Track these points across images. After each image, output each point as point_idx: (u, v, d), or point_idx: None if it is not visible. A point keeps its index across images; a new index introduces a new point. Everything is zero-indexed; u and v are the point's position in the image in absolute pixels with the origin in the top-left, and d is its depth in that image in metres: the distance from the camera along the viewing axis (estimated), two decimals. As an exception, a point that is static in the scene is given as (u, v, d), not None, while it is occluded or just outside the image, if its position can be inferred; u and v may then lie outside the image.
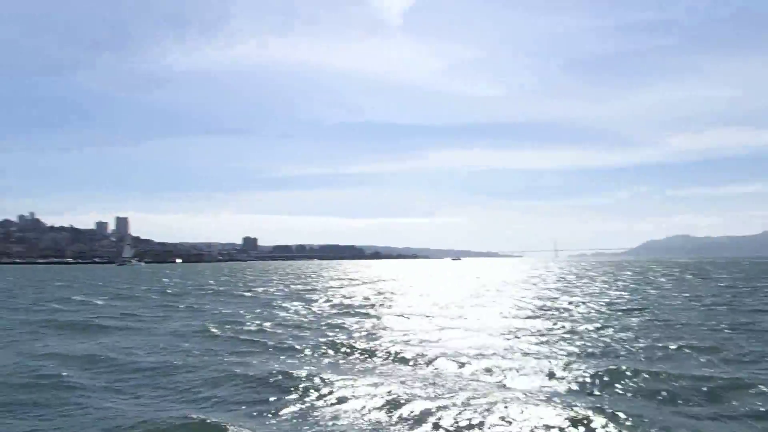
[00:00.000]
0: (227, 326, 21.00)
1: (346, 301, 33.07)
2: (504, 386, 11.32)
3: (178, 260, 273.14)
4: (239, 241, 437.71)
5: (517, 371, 12.50)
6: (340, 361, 14.32)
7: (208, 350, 15.85)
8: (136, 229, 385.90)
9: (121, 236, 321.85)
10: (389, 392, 10.50)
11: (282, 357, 14.86)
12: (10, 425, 9.10)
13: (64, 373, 12.57)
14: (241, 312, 26.67)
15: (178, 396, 10.88)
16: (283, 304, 30.89)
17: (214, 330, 19.70)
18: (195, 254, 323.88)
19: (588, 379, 11.60)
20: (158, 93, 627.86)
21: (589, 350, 15.21)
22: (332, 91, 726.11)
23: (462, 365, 13.17)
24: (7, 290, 48.57)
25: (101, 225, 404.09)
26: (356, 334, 18.75)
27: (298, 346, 16.17)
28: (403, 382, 11.55)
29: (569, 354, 14.67)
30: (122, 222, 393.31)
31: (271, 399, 10.49)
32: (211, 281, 65.12)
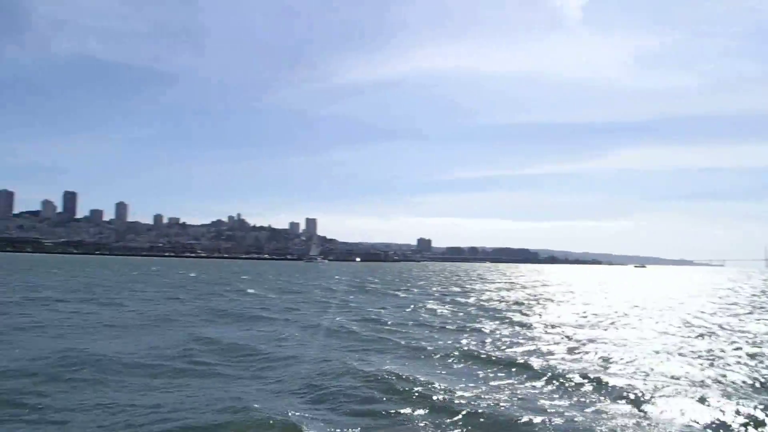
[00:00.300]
0: (369, 324, 21.95)
1: (495, 305, 32.50)
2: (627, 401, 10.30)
3: (358, 259, 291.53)
4: (414, 243, 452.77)
5: (644, 392, 11.24)
6: (457, 366, 14.21)
7: (340, 346, 16.83)
8: (323, 230, 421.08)
9: (310, 236, 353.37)
10: (494, 402, 10.22)
11: (406, 357, 15.18)
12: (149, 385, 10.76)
13: (202, 356, 14.52)
14: (389, 310, 27.69)
15: (287, 387, 11.72)
16: (432, 306, 31.32)
17: (354, 327, 20.78)
18: (373, 254, 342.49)
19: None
20: (340, 105, 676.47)
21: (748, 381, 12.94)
22: (507, 93, 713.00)
23: (581, 382, 12.22)
24: (202, 281, 56.48)
25: (294, 225, 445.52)
26: (488, 339, 18.40)
27: (429, 347, 16.37)
28: (513, 393, 11.16)
29: (725, 383, 12.69)
30: (311, 223, 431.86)
31: (376, 398, 10.74)
32: (376, 280, 68.36)
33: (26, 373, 11.89)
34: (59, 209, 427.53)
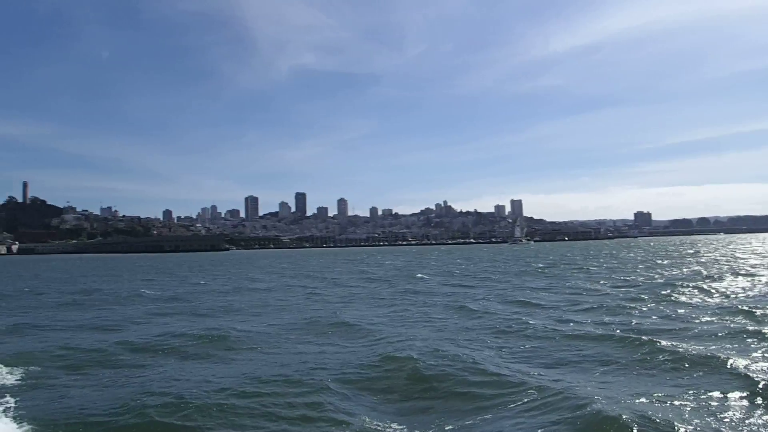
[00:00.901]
0: (511, 327, 18.61)
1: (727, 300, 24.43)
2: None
3: (566, 238, 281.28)
4: (631, 217, 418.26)
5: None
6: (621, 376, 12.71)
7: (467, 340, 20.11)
8: (529, 210, 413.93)
9: (515, 217, 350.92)
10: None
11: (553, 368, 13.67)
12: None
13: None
14: (557, 303, 28.62)
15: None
16: (629, 303, 23.64)
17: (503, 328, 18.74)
18: (582, 232, 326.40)
19: None
20: (542, 78, 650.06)
21: None
22: (740, 36, 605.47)
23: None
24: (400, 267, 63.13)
25: (500, 208, 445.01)
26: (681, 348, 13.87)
27: (574, 359, 14.20)
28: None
29: None
30: (516, 204, 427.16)
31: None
32: (577, 257, 67.87)
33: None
34: (293, 209, 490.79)
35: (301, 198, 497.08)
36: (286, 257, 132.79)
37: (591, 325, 18.45)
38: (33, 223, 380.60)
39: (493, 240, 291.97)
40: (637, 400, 9.89)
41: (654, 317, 19.82)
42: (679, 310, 21.05)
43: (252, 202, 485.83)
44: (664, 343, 14.39)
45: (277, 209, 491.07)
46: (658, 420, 8.72)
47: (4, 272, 77.28)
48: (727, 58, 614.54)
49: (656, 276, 38.86)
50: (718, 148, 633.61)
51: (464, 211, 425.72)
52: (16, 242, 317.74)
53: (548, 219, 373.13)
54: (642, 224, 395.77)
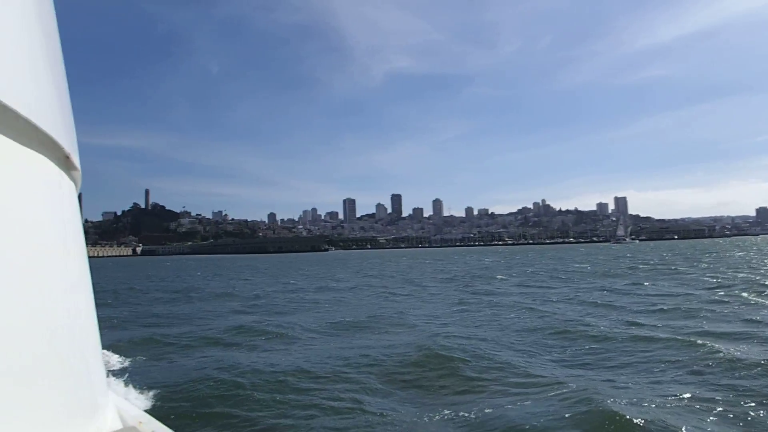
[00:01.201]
0: (572, 327, 18.26)
1: None
2: None
3: (675, 237, 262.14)
4: (752, 214, 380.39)
5: None
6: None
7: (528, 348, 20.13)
8: (635, 209, 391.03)
9: (619, 215, 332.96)
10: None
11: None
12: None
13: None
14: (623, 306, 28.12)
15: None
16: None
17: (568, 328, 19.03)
18: (695, 230, 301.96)
19: None
20: (649, 69, 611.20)
21: None
22: None
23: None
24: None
25: (602, 206, 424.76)
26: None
27: (626, 361, 14.46)
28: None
29: None
30: (621, 202, 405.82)
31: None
32: (675, 256, 64.02)
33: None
34: (389, 210, 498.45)
35: (396, 199, 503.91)
36: (378, 257, 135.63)
37: (660, 329, 17.78)
38: (154, 227, 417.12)
39: (594, 239, 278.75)
40: (664, 404, 9.83)
41: (733, 323, 18.70)
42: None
43: (350, 204, 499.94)
44: (721, 347, 13.82)
45: (374, 211, 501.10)
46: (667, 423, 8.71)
47: (127, 272, 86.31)
48: None
49: (757, 277, 35.85)
50: None
51: (564, 209, 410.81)
52: (140, 244, 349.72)
53: (656, 217, 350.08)
54: (765, 221, 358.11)
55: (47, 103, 1.87)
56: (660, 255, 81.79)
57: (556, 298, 28.28)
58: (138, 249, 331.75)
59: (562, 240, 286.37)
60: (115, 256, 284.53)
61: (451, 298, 30.25)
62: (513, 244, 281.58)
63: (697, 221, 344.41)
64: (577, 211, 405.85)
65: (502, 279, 44.05)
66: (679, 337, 15.78)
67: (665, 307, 22.72)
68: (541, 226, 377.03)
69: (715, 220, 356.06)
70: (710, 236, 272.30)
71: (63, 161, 2.15)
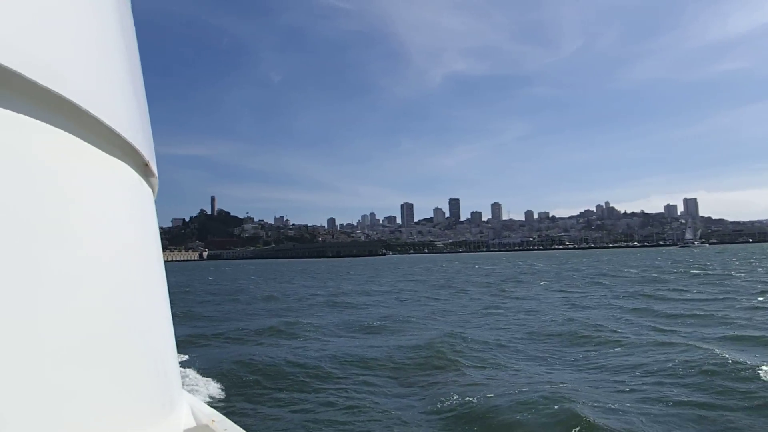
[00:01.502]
0: (594, 333, 18.01)
1: None
2: None
3: (749, 240, 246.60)
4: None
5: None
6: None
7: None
8: (706, 210, 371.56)
9: (688, 218, 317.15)
10: None
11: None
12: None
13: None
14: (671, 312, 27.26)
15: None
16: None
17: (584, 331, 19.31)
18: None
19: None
20: (721, 63, 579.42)
21: None
22: None
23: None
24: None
25: (670, 208, 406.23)
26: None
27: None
28: None
29: None
30: (690, 203, 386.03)
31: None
32: (736, 261, 60.88)
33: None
34: (447, 214, 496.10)
35: (454, 203, 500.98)
36: (430, 262, 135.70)
37: (677, 334, 17.53)
38: (219, 232, 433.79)
39: (661, 243, 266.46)
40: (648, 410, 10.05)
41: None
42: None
43: (407, 209, 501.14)
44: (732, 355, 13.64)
45: (431, 215, 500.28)
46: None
47: (188, 275, 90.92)
48: None
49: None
50: None
51: (629, 212, 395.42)
52: (206, 249, 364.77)
53: (730, 219, 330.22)
54: None
55: (129, 112, 1.96)
56: (723, 259, 77.81)
57: (592, 304, 27.94)
58: (204, 254, 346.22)
59: (625, 244, 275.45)
60: (183, 260, 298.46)
61: (482, 302, 30.48)
62: (574, 248, 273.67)
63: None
64: (643, 214, 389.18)
65: (544, 284, 43.57)
66: (693, 343, 15.57)
67: (701, 313, 22.16)
68: (604, 230, 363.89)
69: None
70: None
71: (142, 168, 2.21)
